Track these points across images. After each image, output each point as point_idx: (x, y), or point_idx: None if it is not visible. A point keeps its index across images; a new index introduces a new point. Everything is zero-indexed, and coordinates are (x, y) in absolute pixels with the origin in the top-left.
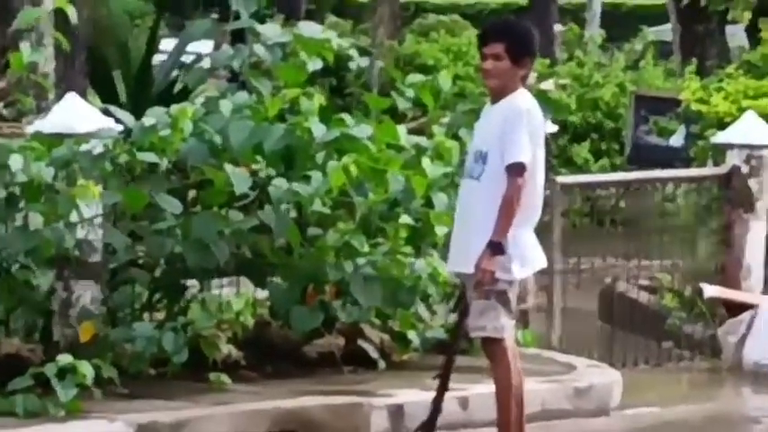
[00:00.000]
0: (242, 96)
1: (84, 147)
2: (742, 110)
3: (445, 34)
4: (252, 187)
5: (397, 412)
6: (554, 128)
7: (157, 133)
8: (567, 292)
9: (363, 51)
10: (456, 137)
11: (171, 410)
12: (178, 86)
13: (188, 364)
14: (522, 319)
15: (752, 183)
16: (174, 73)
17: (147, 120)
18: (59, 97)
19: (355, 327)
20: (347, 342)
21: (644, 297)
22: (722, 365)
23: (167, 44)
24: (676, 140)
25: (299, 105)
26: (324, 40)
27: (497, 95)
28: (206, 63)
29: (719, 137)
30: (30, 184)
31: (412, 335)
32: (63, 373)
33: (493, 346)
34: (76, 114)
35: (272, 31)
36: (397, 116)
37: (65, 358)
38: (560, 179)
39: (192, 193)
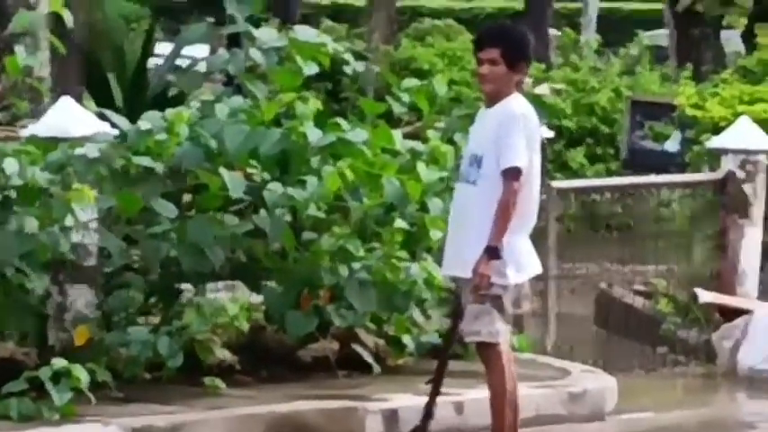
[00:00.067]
0: (237, 100)
1: (79, 150)
2: (737, 115)
3: (441, 39)
4: (247, 191)
5: (391, 417)
6: (549, 133)
7: (153, 137)
8: (562, 296)
9: (359, 56)
10: (451, 141)
11: (165, 414)
12: (173, 90)
13: (183, 368)
14: (517, 324)
15: (747, 188)
16: (170, 77)
17: (143, 124)
18: (55, 101)
19: (350, 331)
20: (342, 346)
21: (639, 302)
22: (717, 371)
23: (163, 48)
24: (672, 145)
25: (294, 110)
26: (319, 44)
27: (493, 100)
28: (201, 67)
29: (715, 142)
30: (25, 187)
31: (407, 339)
32: (58, 376)
33: (488, 351)
34: (72, 118)
35: (267, 35)
36: (392, 121)
37: (59, 362)
38: (556, 184)
39: (187, 198)
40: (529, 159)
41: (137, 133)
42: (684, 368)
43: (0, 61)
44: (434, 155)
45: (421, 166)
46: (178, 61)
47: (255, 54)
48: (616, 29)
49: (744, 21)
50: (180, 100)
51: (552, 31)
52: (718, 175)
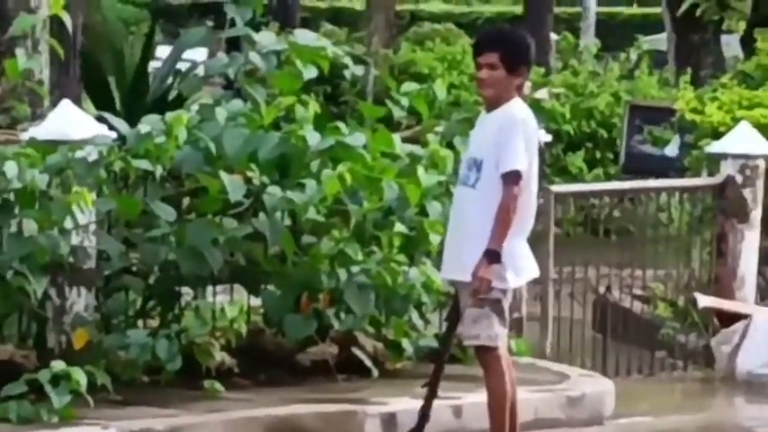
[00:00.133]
0: (237, 104)
1: (78, 154)
2: (736, 120)
3: (440, 43)
4: (246, 195)
5: (390, 420)
6: (548, 137)
7: (152, 140)
8: (560, 301)
9: (358, 60)
10: (450, 145)
11: (164, 417)
12: (173, 94)
13: (181, 371)
14: (516, 328)
15: (746, 193)
16: (169, 80)
17: (142, 127)
18: (54, 104)
19: (349, 335)
20: (341, 350)
21: (637, 306)
22: (715, 375)
23: (162, 51)
24: (671, 150)
25: (293, 113)
26: (319, 48)
27: (492, 104)
28: (201, 71)
29: (714, 147)
30: (24, 190)
31: (405, 343)
32: (57, 379)
33: (486, 355)
34: (71, 121)
35: (267, 38)
36: (391, 125)
37: (58, 365)
38: (554, 188)
39: (186, 201)
40: (528, 163)
41: (136, 136)
42: (683, 373)
43: (0, 64)
44: (434, 159)
45: (420, 170)
46: (178, 65)
47: (255, 58)
48: (615, 33)
49: (743, 25)
50: (179, 103)
51: (551, 36)
52: (718, 179)
